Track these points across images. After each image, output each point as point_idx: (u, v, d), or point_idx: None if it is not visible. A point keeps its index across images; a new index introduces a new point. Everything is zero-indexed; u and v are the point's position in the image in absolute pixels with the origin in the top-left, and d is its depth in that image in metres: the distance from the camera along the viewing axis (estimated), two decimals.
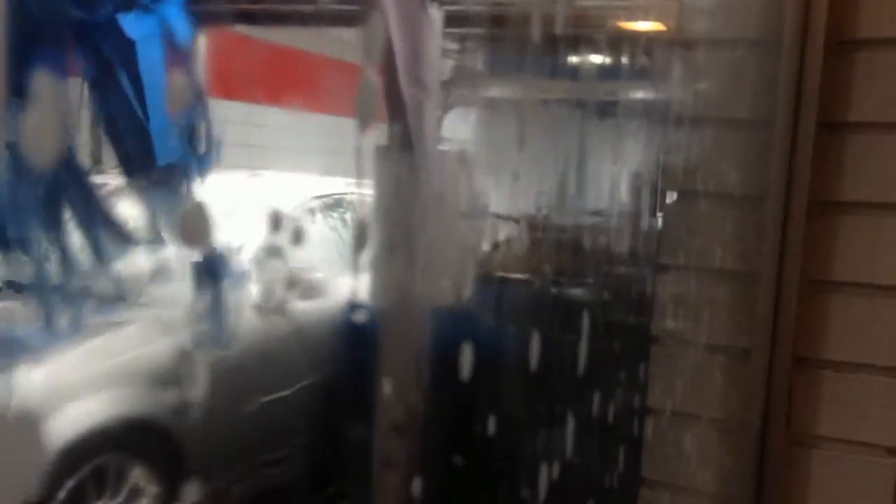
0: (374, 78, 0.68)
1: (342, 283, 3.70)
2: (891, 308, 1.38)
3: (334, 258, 3.83)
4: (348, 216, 4.13)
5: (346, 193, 4.21)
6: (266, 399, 3.24)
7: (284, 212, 3.66)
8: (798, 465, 1.45)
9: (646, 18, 2.00)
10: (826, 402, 1.43)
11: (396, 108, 1.36)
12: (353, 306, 3.55)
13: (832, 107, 1.39)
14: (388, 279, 1.41)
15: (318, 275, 3.52)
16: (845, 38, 1.39)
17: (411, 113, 1.36)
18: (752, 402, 1.45)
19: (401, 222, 1.40)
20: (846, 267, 1.40)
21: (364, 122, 0.66)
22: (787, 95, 1.38)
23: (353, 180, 4.41)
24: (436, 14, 1.38)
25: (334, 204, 4.11)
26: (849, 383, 1.41)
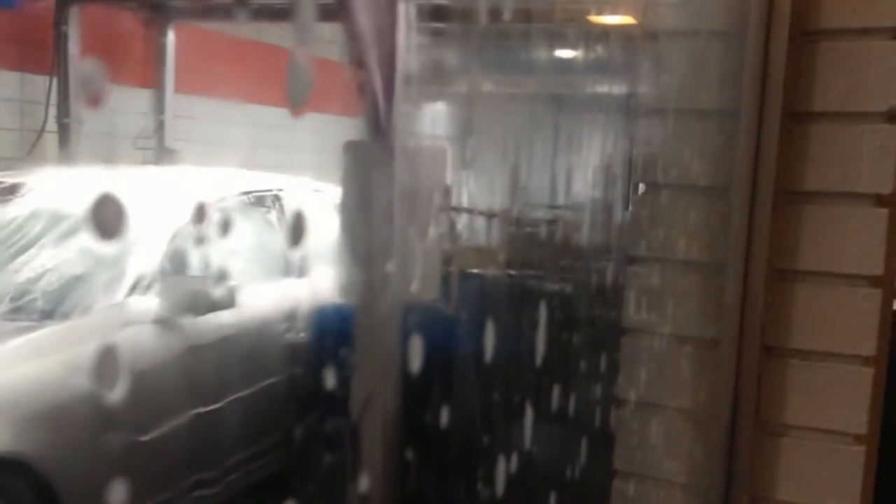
0: (305, 60, 0.66)
1: (265, 290, 3.33)
2: (856, 296, 1.39)
3: (255, 263, 3.40)
4: (275, 215, 3.67)
5: (274, 189, 3.76)
6: (173, 424, 2.77)
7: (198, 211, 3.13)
8: (767, 453, 1.46)
9: (614, 11, 2.01)
10: (794, 391, 1.44)
11: (368, 102, 1.35)
12: (283, 317, 3.23)
13: (797, 97, 1.40)
14: (359, 278, 1.40)
15: (231, 283, 3.04)
16: (809, 29, 1.39)
17: (384, 107, 1.35)
18: (722, 392, 1.46)
19: (373, 219, 1.39)
20: (812, 256, 1.41)
21: (296, 106, 0.66)
22: (753, 85, 1.39)
23: (290, 175, 3.93)
24: (408, 8, 1.37)
25: (258, 201, 3.66)
26: (816, 372, 1.42)
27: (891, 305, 1.40)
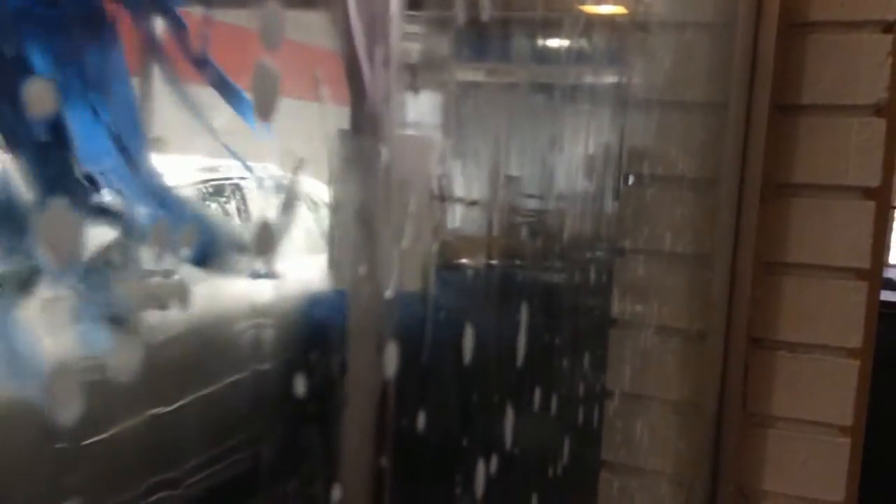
0: (270, 63, 0.65)
1: (218, 286, 3.20)
2: (843, 289, 1.39)
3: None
4: (233, 206, 3.48)
5: (234, 178, 3.53)
6: (114, 431, 2.65)
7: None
8: (754, 445, 1.46)
9: (603, 1, 2.00)
10: (781, 383, 1.44)
11: (358, 91, 1.34)
12: (244, 313, 3.16)
13: (785, 89, 1.40)
14: (349, 267, 1.39)
15: (176, 278, 2.95)
16: (798, 21, 1.39)
17: (374, 96, 1.34)
18: (709, 384, 1.46)
19: (363, 209, 1.37)
20: (800, 248, 1.41)
21: (262, 110, 0.64)
22: (741, 78, 1.39)
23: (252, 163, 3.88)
24: None
25: (215, 192, 3.49)
26: (803, 364, 1.42)
27: (877, 298, 1.41)
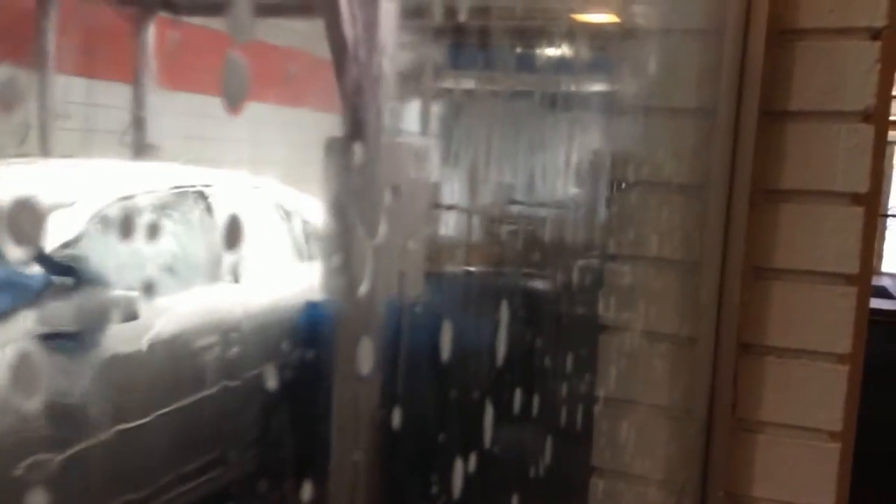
0: (241, 55, 0.64)
1: (182, 299, 2.99)
2: (832, 294, 1.40)
3: (172, 269, 3.07)
4: (197, 215, 3.32)
5: (198, 185, 3.38)
6: (60, 458, 2.48)
7: (95, 211, 2.82)
8: (743, 450, 1.46)
9: (592, 10, 2.01)
10: (770, 388, 1.44)
11: (350, 98, 1.35)
12: (206, 328, 2.95)
13: (774, 95, 1.41)
14: (340, 275, 1.40)
15: (132, 294, 2.67)
16: (787, 28, 1.40)
17: (365, 104, 1.35)
18: (698, 389, 1.46)
19: (354, 216, 1.38)
20: (788, 254, 1.42)
21: (232, 103, 0.64)
22: (730, 84, 1.40)
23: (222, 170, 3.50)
24: (390, 4, 1.37)
25: (180, 198, 3.32)
26: (792, 369, 1.43)
27: (866, 303, 1.41)
